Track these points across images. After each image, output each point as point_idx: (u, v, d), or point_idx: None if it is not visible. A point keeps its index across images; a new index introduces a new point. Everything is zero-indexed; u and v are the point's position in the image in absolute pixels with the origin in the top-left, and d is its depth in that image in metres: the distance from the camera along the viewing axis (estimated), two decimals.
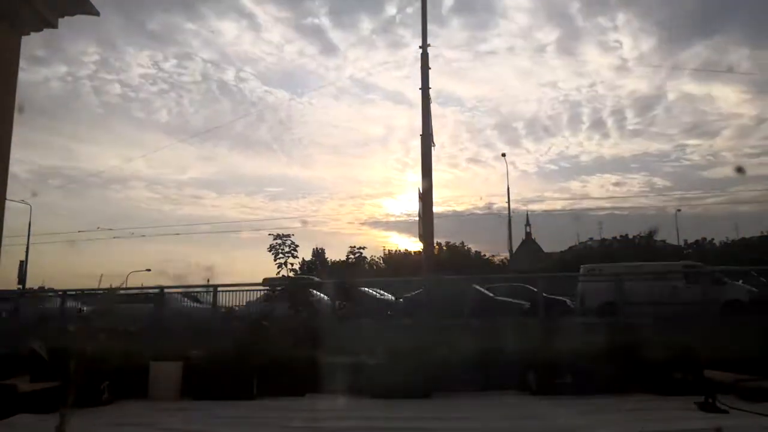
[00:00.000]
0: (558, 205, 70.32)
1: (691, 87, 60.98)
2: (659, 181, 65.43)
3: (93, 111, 64.25)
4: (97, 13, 5.05)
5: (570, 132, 69.63)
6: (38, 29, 4.94)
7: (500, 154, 72.06)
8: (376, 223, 70.22)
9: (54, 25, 4.97)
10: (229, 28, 64.03)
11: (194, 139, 72.11)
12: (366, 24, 62.42)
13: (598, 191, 65.82)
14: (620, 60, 57.99)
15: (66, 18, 5.06)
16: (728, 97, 59.37)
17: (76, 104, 66.18)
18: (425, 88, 15.28)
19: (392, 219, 75.21)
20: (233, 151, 71.78)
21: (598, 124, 67.29)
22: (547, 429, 7.77)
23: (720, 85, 59.86)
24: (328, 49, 64.01)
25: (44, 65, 57.91)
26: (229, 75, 67.25)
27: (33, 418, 7.69)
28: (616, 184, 65.82)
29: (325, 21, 63.76)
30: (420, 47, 15.68)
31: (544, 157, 67.74)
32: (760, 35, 55.19)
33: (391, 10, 58.05)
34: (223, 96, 65.60)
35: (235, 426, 7.91)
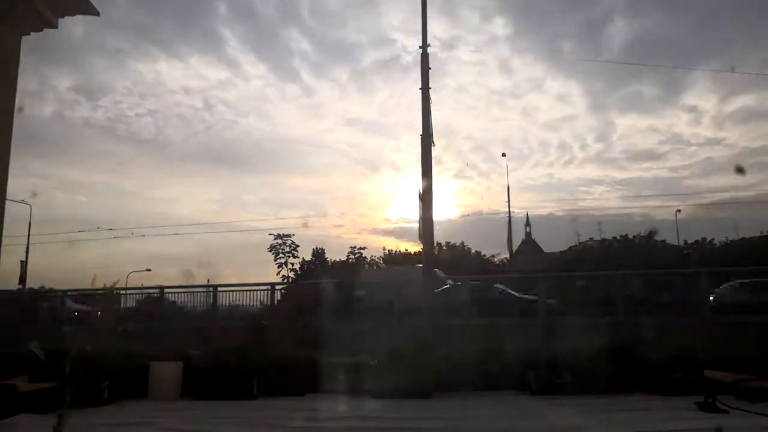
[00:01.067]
0: (545, 211, 73.47)
1: (632, 121, 70.71)
2: (639, 190, 68.80)
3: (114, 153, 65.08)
4: (97, 13, 5.04)
5: (542, 155, 75.81)
6: (38, 29, 4.93)
7: (479, 173, 74.21)
8: (375, 230, 71.71)
9: (54, 25, 4.96)
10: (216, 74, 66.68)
11: (215, 164, 74.61)
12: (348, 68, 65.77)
13: (583, 200, 69.12)
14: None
15: (66, 18, 5.06)
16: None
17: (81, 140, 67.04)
18: (425, 88, 15.21)
19: (390, 226, 76.25)
20: (236, 171, 74.49)
21: (564, 147, 73.82)
22: (547, 429, 7.76)
23: (652, 120, 69.57)
24: (310, 91, 68.56)
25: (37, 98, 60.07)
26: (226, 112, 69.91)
27: (33, 418, 7.69)
28: (600, 194, 69.20)
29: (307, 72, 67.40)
30: (420, 47, 15.64)
31: (523, 174, 71.05)
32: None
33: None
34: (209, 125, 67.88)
35: (235, 426, 7.90)
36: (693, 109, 69.31)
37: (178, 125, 67.43)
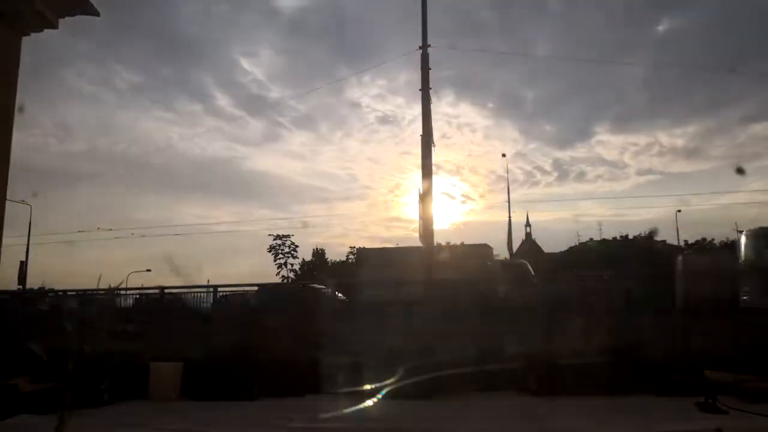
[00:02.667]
0: (538, 218, 77.19)
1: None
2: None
3: None
4: (97, 14, 5.05)
5: (512, 178, 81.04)
6: (38, 29, 4.94)
7: (462, 194, 76.81)
8: (374, 237, 73.18)
9: (54, 26, 4.97)
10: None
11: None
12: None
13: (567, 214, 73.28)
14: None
15: (66, 19, 5.07)
16: None
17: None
18: (425, 88, 15.30)
19: (389, 234, 78.10)
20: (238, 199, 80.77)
21: (531, 174, 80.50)
22: (547, 429, 7.76)
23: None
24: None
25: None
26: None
27: (33, 418, 7.69)
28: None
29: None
30: (420, 47, 15.70)
31: (501, 197, 74.07)
32: None
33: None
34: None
35: (235, 426, 7.91)
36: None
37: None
